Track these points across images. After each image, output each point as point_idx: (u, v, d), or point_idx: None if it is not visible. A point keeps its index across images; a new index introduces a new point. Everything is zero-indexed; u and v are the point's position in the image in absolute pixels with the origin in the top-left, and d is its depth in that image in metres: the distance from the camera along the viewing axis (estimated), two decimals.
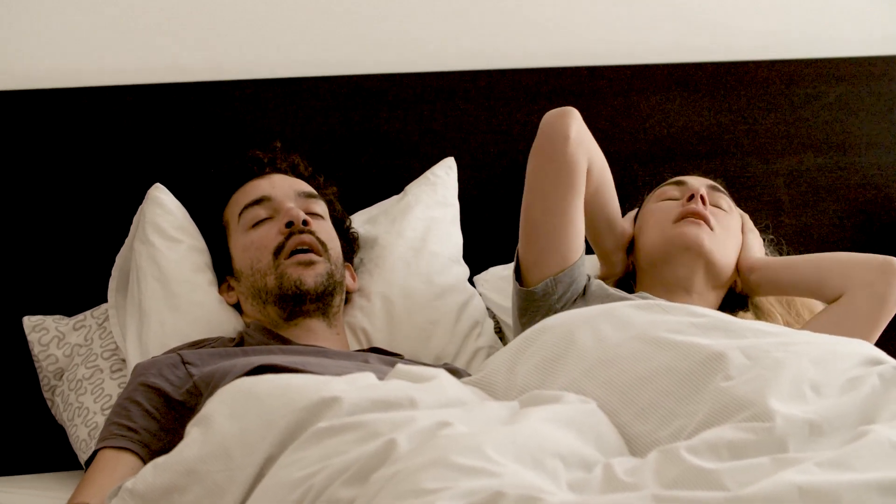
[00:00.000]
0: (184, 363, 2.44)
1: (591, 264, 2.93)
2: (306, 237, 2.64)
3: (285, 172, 2.81)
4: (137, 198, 2.90)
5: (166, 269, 2.75)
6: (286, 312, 2.63)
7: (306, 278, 2.61)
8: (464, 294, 2.92)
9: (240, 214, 2.72)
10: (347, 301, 2.83)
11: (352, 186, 3.04)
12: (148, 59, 3.05)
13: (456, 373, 2.51)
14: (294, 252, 2.63)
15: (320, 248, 2.65)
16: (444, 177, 3.04)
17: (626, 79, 3.24)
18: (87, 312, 2.89)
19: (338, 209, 2.85)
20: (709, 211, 2.74)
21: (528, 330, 2.30)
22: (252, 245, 2.67)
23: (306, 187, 2.78)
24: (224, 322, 2.73)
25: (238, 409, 2.04)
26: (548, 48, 3.24)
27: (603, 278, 2.85)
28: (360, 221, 2.97)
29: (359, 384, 2.06)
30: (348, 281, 2.79)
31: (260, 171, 2.79)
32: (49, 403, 2.85)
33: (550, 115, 2.67)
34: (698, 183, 2.85)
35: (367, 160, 3.11)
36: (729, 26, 3.35)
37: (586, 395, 2.09)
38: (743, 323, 2.23)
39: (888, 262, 2.65)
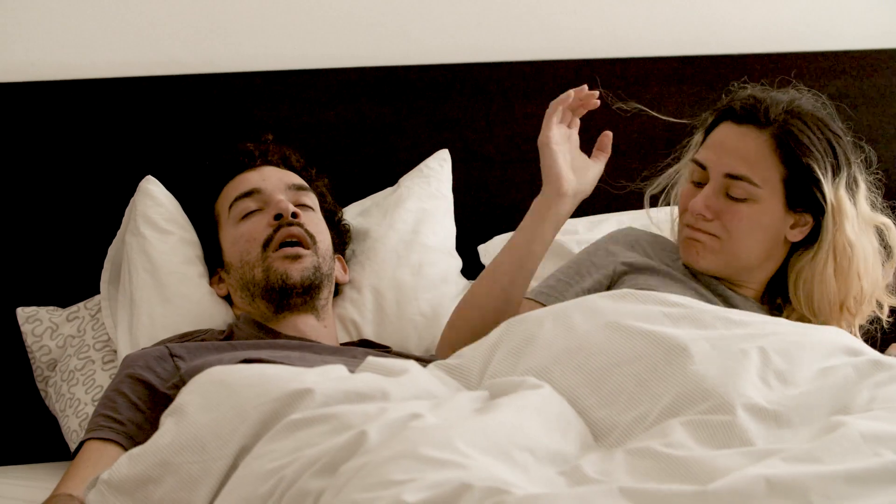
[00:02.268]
0: (172, 356, 2.45)
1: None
2: (295, 230, 2.65)
3: (276, 165, 2.82)
4: (132, 189, 2.90)
5: (157, 261, 2.76)
6: (273, 305, 2.64)
7: (292, 272, 2.62)
8: (455, 286, 2.92)
9: (230, 207, 2.73)
10: (338, 293, 2.83)
11: (346, 179, 3.04)
12: (140, 52, 3.06)
13: None
14: (282, 245, 2.64)
15: (308, 241, 2.65)
16: (437, 169, 3.04)
17: (623, 72, 3.23)
18: (81, 304, 2.91)
19: (329, 201, 2.85)
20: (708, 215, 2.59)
21: (508, 320, 2.31)
22: (241, 237, 2.68)
23: (297, 179, 2.79)
24: (214, 314, 2.74)
25: (211, 400, 2.05)
26: (544, 41, 3.24)
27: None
28: (352, 214, 2.98)
29: (330, 376, 2.07)
30: (339, 273, 2.79)
31: (251, 164, 2.80)
32: (42, 394, 2.86)
33: None
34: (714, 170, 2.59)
35: (361, 153, 3.11)
36: (725, 20, 3.34)
37: (554, 380, 2.10)
38: (713, 312, 2.22)
39: None
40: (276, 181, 2.75)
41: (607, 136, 2.63)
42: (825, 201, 2.52)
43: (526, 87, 3.17)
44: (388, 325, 2.83)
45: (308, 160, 2.91)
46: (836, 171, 2.53)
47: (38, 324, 2.86)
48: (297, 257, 2.63)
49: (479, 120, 3.15)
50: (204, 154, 2.93)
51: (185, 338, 2.60)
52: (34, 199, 2.97)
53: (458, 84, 3.15)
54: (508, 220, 3.08)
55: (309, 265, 2.64)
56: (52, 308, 2.90)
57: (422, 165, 3.05)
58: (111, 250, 2.87)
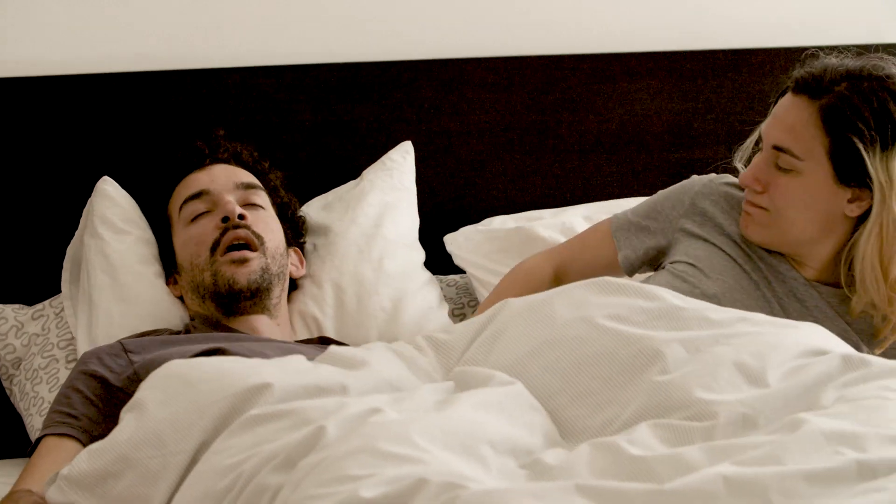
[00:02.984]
0: (125, 351, 2.45)
1: None
2: (241, 232, 2.64)
3: (227, 162, 2.80)
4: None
5: (114, 262, 2.76)
6: (223, 308, 2.64)
7: (239, 277, 2.61)
8: (417, 280, 2.92)
9: (180, 209, 2.73)
10: (296, 287, 2.83)
11: (312, 175, 3.05)
12: (105, 48, 3.04)
13: None
14: (230, 248, 2.63)
15: (256, 243, 2.64)
16: (400, 161, 3.04)
17: (591, 68, 3.22)
18: (46, 302, 2.90)
19: (282, 195, 2.84)
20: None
21: (504, 300, 2.30)
22: (191, 240, 2.68)
23: (246, 178, 2.77)
24: (172, 314, 2.73)
25: (170, 395, 2.05)
26: (514, 37, 3.23)
27: None
28: (316, 208, 2.97)
29: (289, 369, 2.07)
30: (293, 268, 2.79)
31: (200, 164, 2.78)
32: (7, 392, 2.85)
33: None
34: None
35: (327, 149, 3.10)
36: (701, 15, 3.34)
37: (528, 374, 2.10)
38: (692, 310, 2.20)
39: None
40: (224, 181, 2.73)
41: None
42: (870, 175, 2.42)
43: (492, 82, 3.17)
44: (349, 321, 2.82)
45: (273, 156, 2.91)
46: (888, 143, 2.42)
47: (3, 322, 2.85)
48: (243, 261, 2.62)
49: (447, 114, 3.15)
50: (167, 151, 2.91)
51: (141, 337, 2.59)
52: (0, 196, 2.95)
53: (425, 79, 3.14)
54: (476, 211, 3.12)
55: (256, 268, 2.62)
56: (17, 306, 2.89)
57: (384, 158, 3.04)
58: (70, 251, 2.86)
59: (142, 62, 3.03)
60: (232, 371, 2.06)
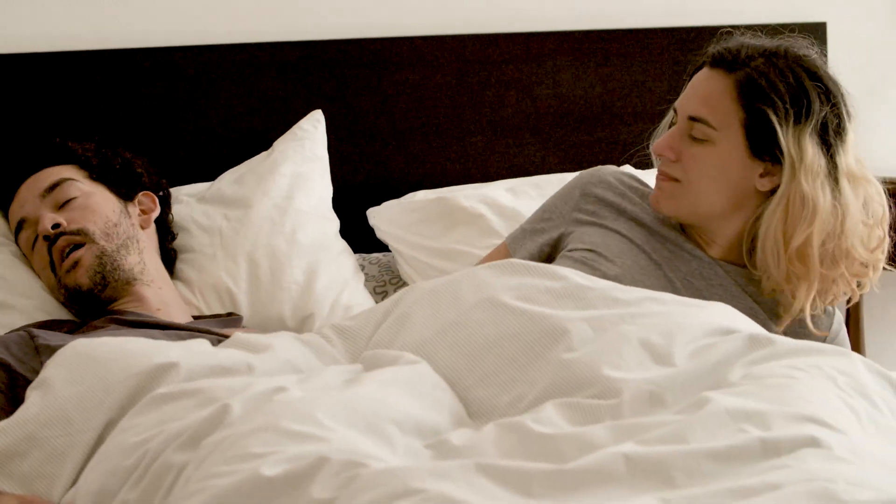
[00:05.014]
0: (31, 338, 2.43)
1: None
2: (61, 242, 2.63)
3: (31, 172, 2.75)
4: None
5: (6, 263, 2.74)
6: (94, 305, 2.63)
7: (80, 279, 2.61)
8: (331, 250, 2.92)
9: (18, 243, 2.74)
10: (172, 236, 2.84)
11: (223, 148, 3.06)
12: (15, 27, 3.02)
13: None
14: (63, 259, 2.62)
15: (80, 239, 2.63)
16: (311, 130, 3.04)
17: (515, 47, 3.23)
18: None
19: (94, 160, 2.78)
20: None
21: (410, 286, 2.32)
22: (38, 267, 2.69)
23: (48, 178, 2.72)
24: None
25: (76, 374, 2.05)
26: (436, 17, 3.25)
27: None
28: (228, 181, 2.97)
29: (195, 350, 2.08)
30: (142, 219, 2.76)
31: (10, 196, 2.75)
32: None
33: None
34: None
35: (239, 124, 3.10)
36: None
37: (434, 356, 2.10)
38: (598, 290, 2.20)
39: None
40: (31, 199, 2.70)
41: None
42: (781, 149, 2.44)
43: (414, 61, 3.18)
44: (263, 294, 2.83)
45: (185, 131, 2.95)
46: (801, 118, 2.44)
47: None
48: (75, 264, 2.61)
49: (368, 93, 3.16)
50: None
51: (44, 325, 2.58)
52: None
53: (345, 59, 3.15)
54: (399, 188, 3.14)
55: (91, 261, 2.62)
56: None
57: (295, 128, 3.04)
58: None
59: (56, 42, 3.01)
60: (138, 350, 2.07)
